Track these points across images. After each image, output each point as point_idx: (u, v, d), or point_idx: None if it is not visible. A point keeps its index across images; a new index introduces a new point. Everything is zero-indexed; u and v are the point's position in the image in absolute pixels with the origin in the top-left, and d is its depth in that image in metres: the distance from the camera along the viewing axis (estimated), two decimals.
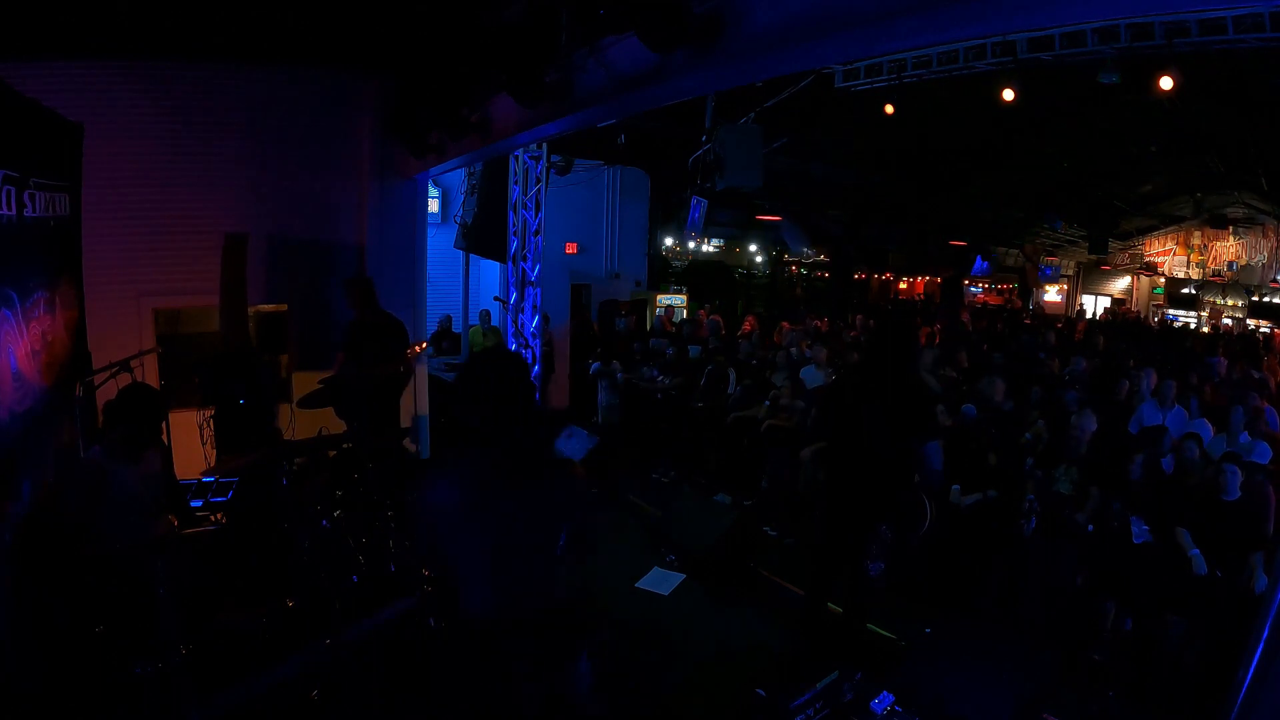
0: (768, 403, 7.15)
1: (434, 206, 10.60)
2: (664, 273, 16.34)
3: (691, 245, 17.55)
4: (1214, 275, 17.92)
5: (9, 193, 3.15)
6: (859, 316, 11.73)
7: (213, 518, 4.49)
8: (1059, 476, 4.95)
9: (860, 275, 20.80)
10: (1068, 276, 21.78)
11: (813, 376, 7.21)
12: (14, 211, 3.22)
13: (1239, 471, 4.47)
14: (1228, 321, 17.70)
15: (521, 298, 8.56)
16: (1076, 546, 4.62)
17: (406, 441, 7.08)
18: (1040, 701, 3.76)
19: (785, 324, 11.02)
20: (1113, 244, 18.08)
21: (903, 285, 23.50)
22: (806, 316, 12.40)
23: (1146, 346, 10.85)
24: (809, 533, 5.85)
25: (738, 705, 3.72)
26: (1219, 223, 17.01)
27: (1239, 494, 4.42)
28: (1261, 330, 16.16)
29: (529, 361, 8.58)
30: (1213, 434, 5.63)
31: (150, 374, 5.65)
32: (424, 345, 6.27)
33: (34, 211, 3.52)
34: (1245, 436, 5.38)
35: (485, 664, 2.33)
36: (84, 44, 5.61)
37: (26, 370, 3.35)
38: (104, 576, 3.24)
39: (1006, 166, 13.27)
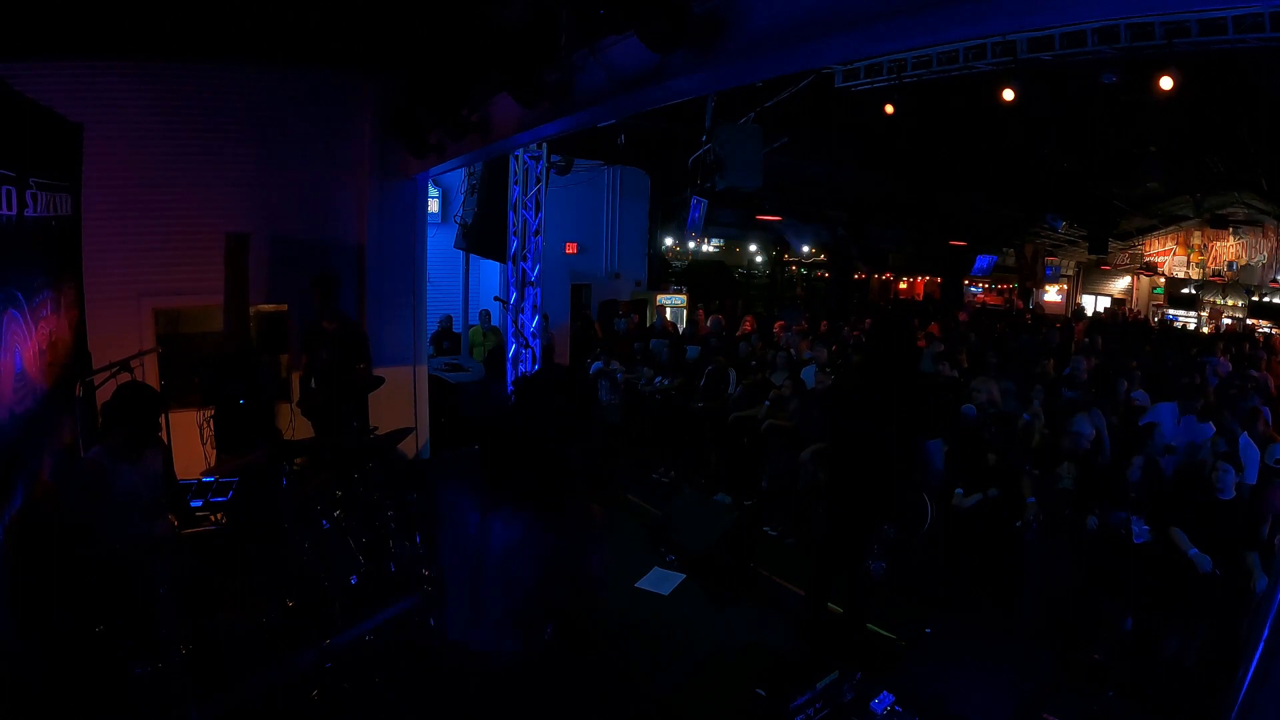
0: (768, 403, 7.15)
1: (434, 206, 10.60)
2: (664, 273, 16.35)
3: (691, 245, 17.56)
4: (1214, 275, 17.92)
5: (9, 192, 3.15)
6: (866, 320, 11.73)
7: (213, 518, 4.49)
8: (1063, 475, 4.95)
9: (860, 275, 20.82)
10: (1068, 276, 21.79)
11: (813, 376, 7.22)
12: (14, 211, 3.22)
13: (1234, 471, 4.47)
14: (1228, 321, 17.71)
15: (521, 298, 8.56)
16: (1076, 546, 4.62)
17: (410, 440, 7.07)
18: (1040, 701, 3.77)
19: (779, 324, 11.05)
20: (1113, 244, 18.08)
21: (903, 285, 23.52)
22: (804, 317, 12.41)
23: (1144, 347, 10.84)
24: (809, 533, 5.86)
25: (738, 705, 3.72)
26: (1219, 223, 17.01)
27: (1234, 493, 4.42)
28: (1260, 330, 16.16)
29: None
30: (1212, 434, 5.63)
31: (150, 374, 5.65)
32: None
33: (34, 211, 3.52)
34: (1245, 438, 5.36)
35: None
36: (84, 44, 5.60)
37: (31, 371, 3.35)
38: (104, 576, 3.24)
39: (1006, 166, 13.26)
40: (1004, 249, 20.28)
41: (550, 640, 2.28)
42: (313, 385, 5.79)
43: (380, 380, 6.06)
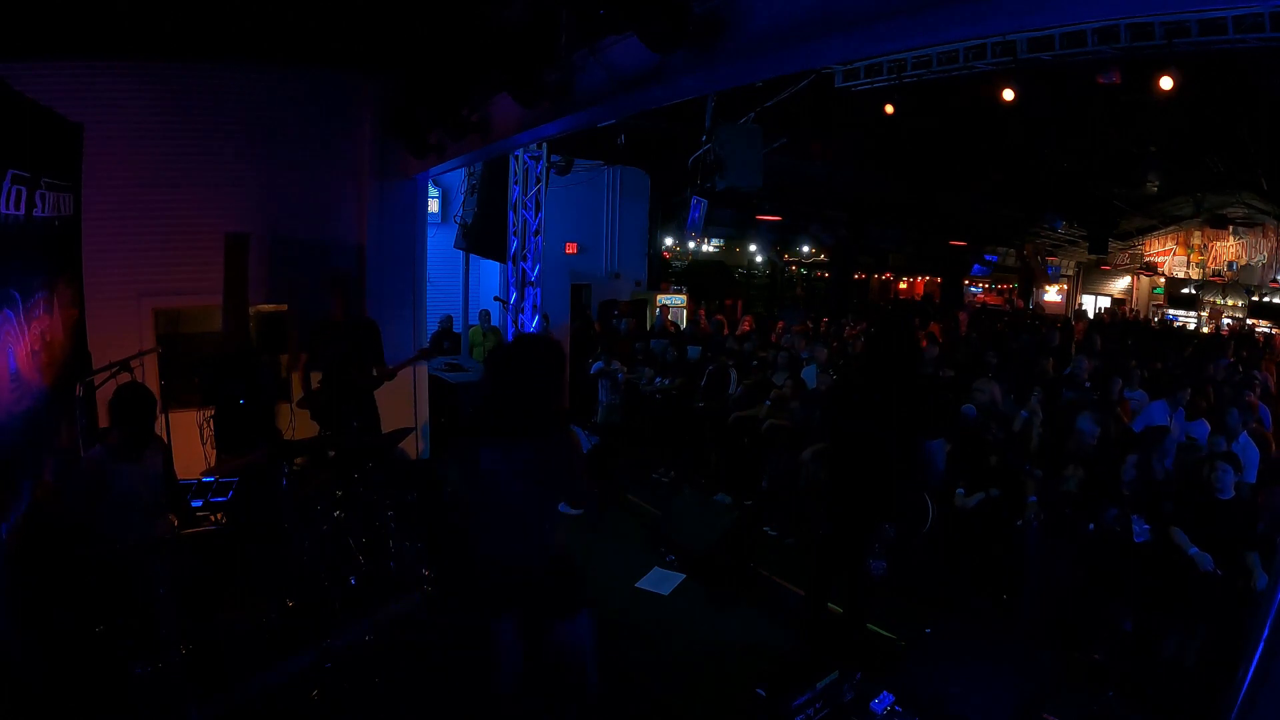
0: (769, 402, 7.15)
1: (434, 206, 10.60)
2: (664, 273, 16.35)
3: (691, 245, 17.56)
4: (1214, 275, 17.92)
5: (19, 193, 3.16)
6: (861, 322, 11.74)
7: (213, 518, 4.49)
8: (1068, 477, 4.94)
9: (860, 275, 20.82)
10: (1068, 276, 21.79)
11: (813, 376, 7.21)
12: (23, 212, 3.22)
13: (1232, 470, 4.46)
14: (1228, 321, 17.71)
15: (521, 298, 8.56)
16: (1076, 546, 4.62)
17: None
18: (1040, 701, 3.76)
19: (780, 324, 11.05)
20: (1113, 244, 18.09)
21: (903, 285, 23.52)
22: (807, 317, 12.42)
23: (1145, 347, 10.84)
24: (809, 533, 5.86)
25: (738, 705, 3.72)
26: (1219, 223, 17.01)
27: (1233, 493, 4.42)
28: (1260, 330, 16.17)
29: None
30: (1209, 434, 5.62)
31: (150, 374, 5.65)
32: (426, 350, 6.24)
33: (42, 211, 3.53)
34: (1245, 437, 5.36)
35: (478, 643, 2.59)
36: (84, 44, 5.60)
37: (25, 370, 3.35)
38: (104, 576, 3.25)
39: (1006, 166, 13.27)
40: (1004, 249, 20.30)
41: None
42: (312, 384, 5.79)
43: (380, 379, 6.06)
